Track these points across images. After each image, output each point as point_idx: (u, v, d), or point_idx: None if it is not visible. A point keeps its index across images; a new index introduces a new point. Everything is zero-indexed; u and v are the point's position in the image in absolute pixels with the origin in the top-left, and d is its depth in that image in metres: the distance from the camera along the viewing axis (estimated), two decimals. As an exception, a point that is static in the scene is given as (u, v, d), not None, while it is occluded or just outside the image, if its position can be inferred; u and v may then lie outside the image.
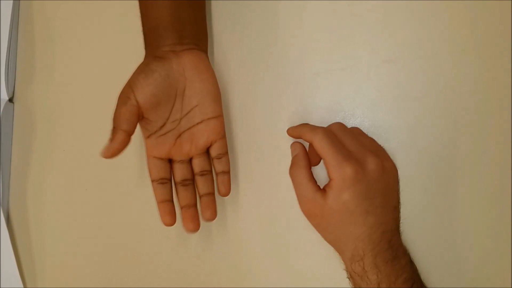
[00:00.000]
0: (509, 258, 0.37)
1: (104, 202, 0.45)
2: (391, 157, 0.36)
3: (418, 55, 0.39)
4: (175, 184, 0.38)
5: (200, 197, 0.38)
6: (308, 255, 0.40)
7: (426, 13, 0.39)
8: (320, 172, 0.39)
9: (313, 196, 0.34)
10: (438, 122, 0.38)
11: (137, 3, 0.37)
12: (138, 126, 0.36)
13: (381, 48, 0.40)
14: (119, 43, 0.45)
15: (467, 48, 0.38)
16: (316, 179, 0.36)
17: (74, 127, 0.46)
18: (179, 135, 0.37)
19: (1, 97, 0.47)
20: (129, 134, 0.35)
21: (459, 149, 0.38)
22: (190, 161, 0.39)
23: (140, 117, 0.35)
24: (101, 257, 0.45)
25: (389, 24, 0.39)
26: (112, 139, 0.34)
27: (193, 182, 0.39)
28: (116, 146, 0.34)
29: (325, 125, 0.38)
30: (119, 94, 0.35)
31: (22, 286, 0.46)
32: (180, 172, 0.38)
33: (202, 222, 0.38)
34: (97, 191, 0.45)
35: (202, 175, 0.38)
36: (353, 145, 0.34)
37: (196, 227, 0.37)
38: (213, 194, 0.39)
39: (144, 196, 0.43)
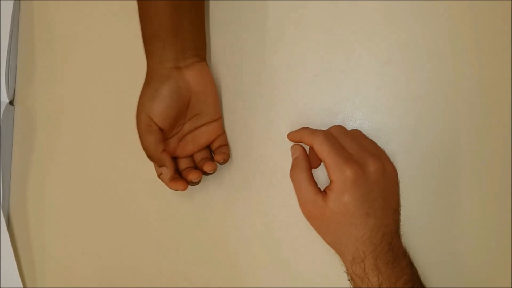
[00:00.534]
0: (509, 260, 0.37)
1: (104, 203, 0.45)
2: (391, 159, 0.36)
3: (418, 57, 0.39)
4: (180, 171, 0.40)
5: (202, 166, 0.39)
6: (309, 257, 0.40)
7: (427, 14, 0.39)
8: (320, 174, 0.39)
9: (313, 198, 0.34)
10: (438, 124, 0.38)
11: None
12: None
13: (381, 50, 0.40)
14: (120, 45, 0.45)
15: (467, 50, 0.38)
16: (316, 181, 0.36)
17: (74, 129, 0.46)
18: (182, 138, 0.39)
19: (2, 100, 0.47)
20: (173, 168, 0.38)
21: (459, 151, 0.38)
22: (192, 156, 0.41)
23: (164, 138, 0.37)
24: (101, 258, 0.45)
25: (389, 26, 0.39)
26: (171, 182, 0.38)
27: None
28: (180, 183, 0.38)
29: (325, 127, 0.38)
30: (137, 124, 0.36)
31: (22, 286, 0.46)
32: (183, 163, 0.40)
33: (201, 226, 0.38)
34: (97, 192, 0.45)
35: (203, 160, 0.40)
36: (353, 148, 0.35)
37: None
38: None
39: (144, 197, 0.44)
